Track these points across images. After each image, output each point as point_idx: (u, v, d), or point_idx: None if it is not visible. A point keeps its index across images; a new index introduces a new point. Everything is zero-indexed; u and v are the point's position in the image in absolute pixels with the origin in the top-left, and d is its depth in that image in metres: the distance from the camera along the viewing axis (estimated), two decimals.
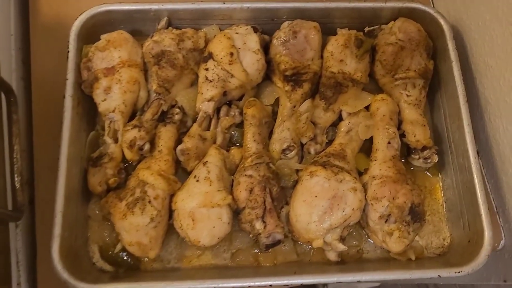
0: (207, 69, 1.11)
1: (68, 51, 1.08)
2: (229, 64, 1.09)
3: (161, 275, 1.00)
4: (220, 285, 0.95)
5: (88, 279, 0.93)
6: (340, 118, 1.16)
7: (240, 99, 1.16)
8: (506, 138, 1.08)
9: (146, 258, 1.03)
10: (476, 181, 1.03)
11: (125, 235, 0.97)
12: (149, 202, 0.98)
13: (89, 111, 1.11)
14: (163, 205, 1.00)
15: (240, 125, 1.14)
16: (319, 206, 1.00)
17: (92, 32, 1.13)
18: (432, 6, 1.32)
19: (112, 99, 1.07)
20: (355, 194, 1.01)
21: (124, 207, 0.98)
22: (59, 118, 1.03)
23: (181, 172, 1.10)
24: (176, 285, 0.93)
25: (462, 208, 1.08)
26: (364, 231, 1.09)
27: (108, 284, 0.93)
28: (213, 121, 1.12)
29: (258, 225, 1.00)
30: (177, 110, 1.12)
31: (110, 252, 1.03)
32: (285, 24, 1.16)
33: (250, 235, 1.03)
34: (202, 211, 0.98)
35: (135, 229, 0.96)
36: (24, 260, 1.03)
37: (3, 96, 0.95)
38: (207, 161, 1.05)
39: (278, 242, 1.02)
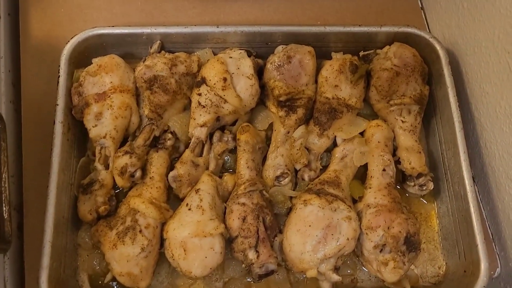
0: (200, 94, 1.09)
1: (59, 76, 1.07)
2: (222, 89, 1.08)
3: None
4: None
5: None
6: (334, 144, 1.14)
7: (233, 124, 1.15)
8: (502, 166, 1.07)
9: None
10: (472, 209, 1.02)
11: (115, 265, 0.95)
12: (140, 231, 0.96)
13: (79, 136, 1.09)
14: (154, 234, 0.98)
15: (233, 151, 1.13)
16: (313, 236, 0.98)
17: (83, 55, 1.12)
18: (428, 30, 1.31)
19: (103, 125, 1.05)
20: (349, 224, 0.99)
21: (115, 236, 0.96)
22: (49, 143, 1.02)
23: (173, 198, 1.09)
24: None
25: (458, 236, 1.07)
26: (358, 260, 1.07)
27: None
28: (206, 147, 1.11)
29: (251, 255, 0.98)
30: (169, 135, 1.10)
31: (100, 282, 1.01)
32: (280, 48, 1.15)
33: (243, 265, 1.01)
34: (194, 241, 0.96)
35: (125, 259, 0.95)
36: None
37: None
38: (199, 189, 1.03)
39: (271, 272, 1.00)
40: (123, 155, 1.04)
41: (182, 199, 1.06)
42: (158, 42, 1.14)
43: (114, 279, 0.99)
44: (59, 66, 1.07)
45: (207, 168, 1.10)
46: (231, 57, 1.12)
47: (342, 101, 1.12)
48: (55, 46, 1.15)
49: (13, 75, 1.18)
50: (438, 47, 1.16)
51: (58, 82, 1.06)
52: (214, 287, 1.04)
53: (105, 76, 1.06)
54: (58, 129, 1.02)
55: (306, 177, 1.10)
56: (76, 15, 1.24)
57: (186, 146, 1.11)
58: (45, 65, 1.16)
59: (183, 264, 0.96)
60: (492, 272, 1.11)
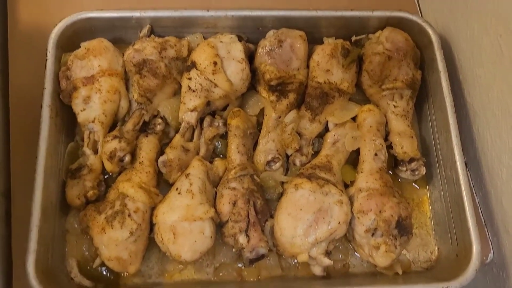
0: (190, 79, 1.08)
1: (47, 60, 1.05)
2: (213, 73, 1.06)
3: None
4: None
5: None
6: (326, 129, 1.13)
7: (224, 109, 1.13)
8: (495, 151, 1.06)
9: (126, 273, 0.99)
10: (464, 194, 1.01)
11: (103, 249, 0.94)
12: (129, 215, 0.95)
13: (67, 121, 1.08)
14: (143, 219, 0.97)
15: (224, 136, 1.12)
16: (304, 220, 0.97)
17: (71, 40, 1.10)
18: (420, 15, 1.30)
19: (91, 109, 1.03)
20: (341, 207, 0.98)
21: (103, 220, 0.95)
22: (37, 129, 1.00)
23: (163, 184, 1.07)
24: None
25: (450, 221, 1.06)
26: (350, 245, 1.06)
27: None
28: (196, 132, 1.09)
29: (242, 239, 0.97)
30: (159, 120, 1.09)
31: (88, 267, 0.99)
32: (271, 33, 1.14)
33: (234, 250, 1.00)
34: (183, 225, 0.95)
35: (114, 243, 0.93)
36: (0, 274, 0.99)
37: None
38: (189, 173, 1.02)
39: (262, 256, 0.99)
40: (112, 139, 1.03)
41: (171, 184, 1.05)
42: (148, 26, 1.13)
43: (103, 264, 0.97)
44: (47, 49, 1.06)
45: (198, 153, 1.09)
46: (221, 42, 1.11)
47: (334, 85, 1.11)
48: (43, 31, 1.12)
49: (1, 62, 1.16)
50: (430, 32, 1.15)
51: (45, 66, 1.04)
52: (204, 272, 1.03)
53: (94, 60, 1.05)
54: (46, 113, 1.00)
55: (297, 162, 1.09)
56: (65, 0, 1.22)
57: (176, 131, 1.10)
58: (33, 50, 1.14)
59: (172, 248, 0.94)
60: (484, 258, 1.10)
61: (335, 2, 1.28)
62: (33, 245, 0.91)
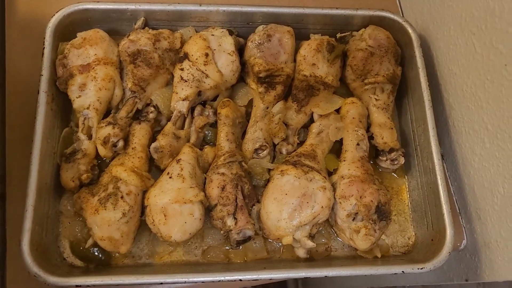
0: (182, 69, 1.13)
1: (44, 48, 1.09)
2: (204, 64, 1.11)
3: (132, 271, 1.00)
4: (191, 279, 0.97)
5: (58, 273, 0.93)
6: (311, 120, 1.19)
7: (214, 99, 1.18)
8: (468, 142, 1.13)
9: (117, 254, 1.03)
10: (439, 182, 1.08)
11: (96, 230, 0.98)
12: (122, 197, 0.99)
13: (63, 108, 1.12)
14: (135, 201, 1.01)
15: (213, 125, 1.17)
16: (289, 204, 1.02)
17: (68, 30, 1.14)
18: (402, 15, 1.37)
19: (87, 96, 1.07)
20: (324, 193, 1.04)
21: (97, 202, 0.99)
22: (32, 115, 1.03)
23: (154, 170, 1.12)
24: (147, 279, 0.95)
25: (426, 208, 1.13)
26: (332, 230, 1.12)
27: (78, 277, 0.93)
28: (187, 120, 1.14)
29: (229, 222, 1.02)
30: (152, 108, 1.13)
31: (81, 248, 1.03)
32: (260, 27, 1.19)
33: (222, 232, 1.04)
34: (174, 207, 0.99)
35: (106, 224, 0.97)
36: None
37: None
38: (180, 159, 1.07)
39: (249, 238, 1.04)
40: (106, 125, 1.07)
41: (162, 170, 1.09)
42: (142, 18, 1.17)
43: (95, 244, 1.01)
44: (44, 38, 1.09)
45: (188, 141, 1.13)
46: (213, 35, 1.16)
47: (319, 79, 1.17)
48: (41, 21, 1.16)
49: None
50: (410, 31, 1.21)
51: (43, 54, 1.08)
52: (193, 254, 1.07)
53: (90, 49, 1.09)
54: (42, 98, 1.04)
55: (283, 151, 1.15)
56: None
57: (168, 120, 1.14)
58: (30, 40, 1.17)
59: (163, 229, 0.99)
60: (458, 244, 1.17)
61: (321, 1, 1.35)
62: (28, 224, 0.94)
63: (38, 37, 1.12)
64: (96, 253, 1.03)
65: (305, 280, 2.13)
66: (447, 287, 1.47)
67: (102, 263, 1.03)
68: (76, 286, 0.93)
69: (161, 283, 0.95)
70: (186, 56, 1.13)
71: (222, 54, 1.14)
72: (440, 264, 1.01)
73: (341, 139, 1.16)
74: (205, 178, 1.08)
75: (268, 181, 1.11)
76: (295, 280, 2.17)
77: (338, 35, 1.25)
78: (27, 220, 0.94)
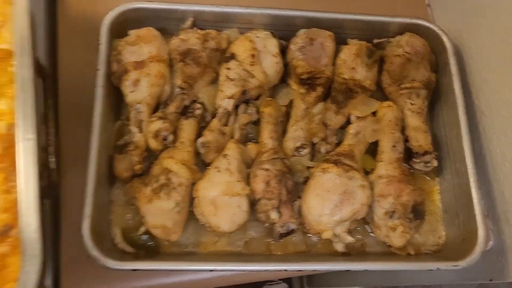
0: (229, 69, 1.18)
1: (100, 44, 1.14)
2: (251, 65, 1.17)
3: (181, 258, 1.06)
4: (240, 267, 1.03)
5: (115, 258, 0.99)
6: (348, 122, 1.24)
7: (257, 98, 1.24)
8: (499, 147, 1.18)
9: (167, 242, 1.08)
10: (472, 184, 1.13)
11: (150, 218, 1.03)
12: (174, 188, 1.05)
13: (115, 102, 1.17)
14: (186, 192, 1.06)
15: (256, 123, 1.22)
16: (331, 200, 1.08)
17: (120, 27, 1.18)
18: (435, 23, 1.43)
19: (139, 91, 1.13)
20: (363, 191, 1.09)
21: (150, 192, 1.04)
22: (84, 108, 1.08)
23: (198, 164, 1.17)
24: (198, 266, 1.00)
25: (458, 209, 1.18)
26: (367, 227, 1.17)
27: (137, 262, 0.99)
28: (232, 118, 1.19)
29: (274, 215, 1.07)
30: (199, 105, 1.18)
31: (131, 235, 1.08)
32: (302, 31, 1.25)
33: (266, 225, 1.10)
34: (224, 199, 1.05)
35: (160, 212, 1.03)
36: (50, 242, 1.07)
37: None
38: (227, 154, 1.12)
39: (292, 231, 1.09)
40: (156, 120, 1.12)
41: (207, 165, 1.14)
42: (192, 19, 1.23)
43: (146, 232, 1.06)
44: (99, 35, 1.15)
45: (232, 137, 1.19)
46: (258, 37, 1.21)
47: (357, 82, 1.22)
48: (93, 19, 1.21)
49: (50, 47, 1.24)
50: (445, 39, 1.27)
51: (98, 50, 1.13)
52: (236, 245, 1.12)
53: (144, 46, 1.14)
54: (99, 92, 1.09)
55: (323, 150, 1.20)
56: None
57: (213, 116, 1.20)
58: (82, 38, 1.22)
59: (212, 219, 1.04)
60: (485, 245, 1.22)
61: (358, 7, 1.40)
62: (88, 210, 0.99)
63: (89, 34, 1.17)
64: (145, 241, 1.08)
65: (310, 278, 2.19)
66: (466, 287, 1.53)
67: (151, 250, 1.08)
68: (133, 270, 0.98)
69: (211, 270, 1.01)
70: (233, 56, 1.19)
71: (267, 55, 1.20)
72: (473, 262, 1.07)
73: (377, 141, 1.22)
74: (249, 173, 1.13)
75: (307, 178, 1.16)
76: (300, 278, 2.23)
77: (376, 41, 1.31)
78: (87, 206, 0.99)
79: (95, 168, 1.02)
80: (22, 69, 0.88)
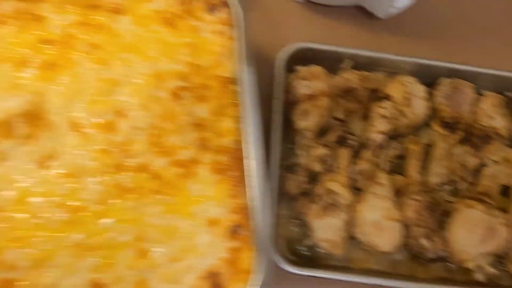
0: (382, 108, 1.34)
1: (274, 75, 1.31)
2: (404, 106, 1.32)
3: (341, 270, 1.19)
4: (393, 285, 1.15)
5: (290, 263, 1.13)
6: (482, 165, 1.37)
7: (400, 135, 1.38)
8: None
9: (330, 255, 1.22)
10: None
11: (319, 232, 1.17)
12: (339, 208, 1.19)
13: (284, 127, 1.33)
14: (348, 212, 1.20)
15: (399, 157, 1.36)
16: (476, 234, 1.20)
17: (289, 62, 1.36)
18: None
19: (308, 120, 1.28)
20: (506, 228, 1.22)
21: (319, 209, 1.19)
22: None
23: None
24: (365, 279, 1.14)
25: None
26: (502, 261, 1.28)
27: (312, 269, 1.13)
28: (381, 150, 1.34)
29: (426, 242, 1.20)
30: (355, 137, 1.34)
31: (295, 246, 1.22)
32: (448, 80, 1.40)
33: (415, 249, 1.22)
34: (384, 222, 1.18)
35: (330, 228, 1.16)
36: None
37: None
38: (382, 182, 1.26)
39: (440, 259, 1.21)
40: (320, 146, 1.28)
41: (356, 189, 1.28)
42: (351, 61, 1.39)
43: (314, 244, 1.20)
44: (274, 67, 1.32)
45: (380, 167, 1.33)
46: (407, 82, 1.37)
47: (495, 130, 1.36)
48: (269, 52, 1.38)
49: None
50: None
51: (274, 81, 1.30)
52: (382, 265, 1.25)
53: (315, 82, 1.31)
54: (277, 118, 1.25)
55: (461, 187, 1.33)
56: (287, 30, 1.49)
57: (362, 148, 1.34)
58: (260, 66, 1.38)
59: (375, 240, 1.18)
60: None
61: (493, 62, 1.54)
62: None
63: (265, 64, 1.33)
64: (307, 253, 1.22)
65: None
66: None
67: (312, 262, 1.22)
68: (308, 275, 1.12)
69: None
70: (387, 97, 1.34)
71: (416, 98, 1.35)
72: None
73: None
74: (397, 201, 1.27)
75: (444, 211, 1.29)
76: None
77: (507, 93, 1.45)
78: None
79: (277, 186, 1.18)
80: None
